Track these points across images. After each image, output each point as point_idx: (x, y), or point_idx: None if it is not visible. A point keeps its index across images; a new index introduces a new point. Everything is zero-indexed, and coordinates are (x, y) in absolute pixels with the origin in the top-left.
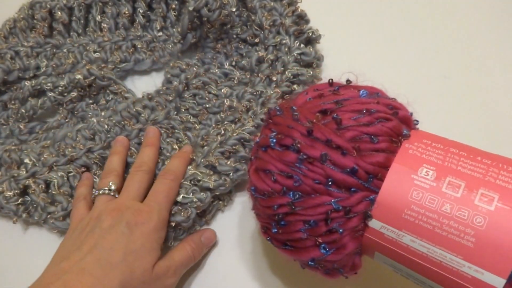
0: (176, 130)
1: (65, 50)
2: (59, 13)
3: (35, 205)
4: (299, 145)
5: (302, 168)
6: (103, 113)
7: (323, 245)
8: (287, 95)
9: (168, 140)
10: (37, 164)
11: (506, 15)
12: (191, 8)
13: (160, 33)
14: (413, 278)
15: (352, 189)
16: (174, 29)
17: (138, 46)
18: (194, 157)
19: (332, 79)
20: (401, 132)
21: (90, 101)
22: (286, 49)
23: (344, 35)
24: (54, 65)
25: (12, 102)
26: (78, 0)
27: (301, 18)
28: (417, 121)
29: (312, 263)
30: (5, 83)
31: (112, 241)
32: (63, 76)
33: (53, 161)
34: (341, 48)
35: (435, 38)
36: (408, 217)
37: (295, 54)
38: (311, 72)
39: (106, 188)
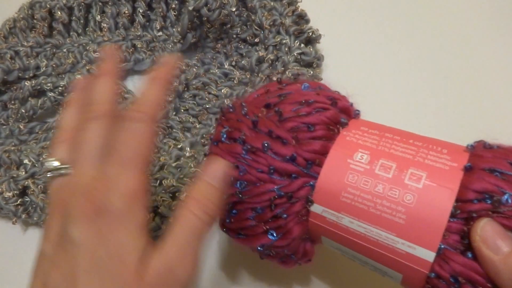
0: (174, 130)
1: (65, 50)
2: (59, 13)
3: (34, 206)
4: (244, 137)
5: (247, 159)
6: None
7: (270, 231)
8: None
9: (165, 140)
10: (36, 165)
11: (506, 15)
12: (191, 8)
13: (160, 33)
14: (357, 259)
15: (293, 175)
16: (174, 29)
17: (138, 46)
18: (196, 155)
19: (280, 78)
20: (338, 121)
21: None
22: (286, 49)
23: (344, 35)
24: (54, 65)
25: (12, 102)
26: (78, 0)
27: (301, 18)
28: (358, 111)
29: (262, 249)
30: (5, 83)
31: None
32: (63, 76)
33: None
34: (341, 48)
35: (435, 38)
36: (346, 199)
37: (295, 54)
38: (312, 72)
39: (51, 167)
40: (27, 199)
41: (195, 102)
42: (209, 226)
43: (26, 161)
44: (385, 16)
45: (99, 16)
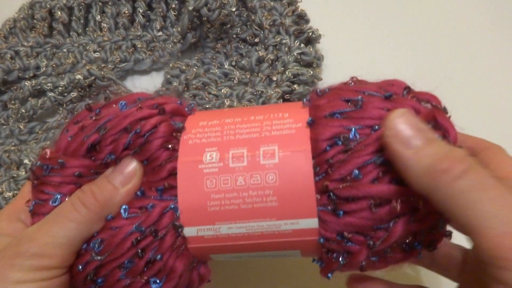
0: None
1: (65, 50)
2: (59, 13)
3: None
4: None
5: None
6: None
7: (152, 280)
8: (287, 95)
9: None
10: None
11: (507, 15)
12: (191, 8)
13: (160, 33)
14: (254, 256)
15: (149, 205)
16: (174, 29)
17: (138, 46)
18: None
19: (89, 104)
20: (173, 129)
21: (90, 102)
22: (286, 49)
23: (344, 35)
24: (54, 65)
25: (12, 102)
26: (78, 0)
27: (301, 18)
28: (192, 103)
29: None
30: (5, 83)
31: None
32: (63, 76)
33: None
34: (341, 48)
35: (436, 37)
36: (214, 208)
37: (295, 54)
38: (311, 72)
39: None
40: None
41: (195, 102)
42: (84, 218)
43: (26, 161)
44: (385, 16)
45: (99, 16)
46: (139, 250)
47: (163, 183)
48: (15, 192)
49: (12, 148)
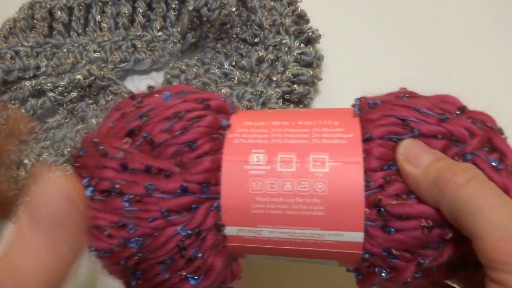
0: None
1: (65, 50)
2: (59, 13)
3: None
4: (119, 186)
5: (132, 211)
6: (102, 114)
7: (190, 276)
8: (287, 95)
9: None
10: (36, 165)
11: (507, 15)
12: (191, 8)
13: (160, 33)
14: (289, 260)
15: (192, 206)
16: (174, 29)
17: (138, 46)
18: None
19: (132, 92)
20: (219, 125)
21: (90, 102)
22: (286, 49)
23: (344, 35)
24: (54, 65)
25: (12, 102)
26: (78, 0)
27: (301, 18)
28: (234, 103)
29: None
30: (5, 83)
31: None
32: (63, 76)
33: (52, 161)
34: (341, 48)
35: (436, 37)
36: (258, 211)
37: (295, 54)
38: (311, 72)
39: None
40: (27, 199)
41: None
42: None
43: (26, 161)
44: (385, 16)
45: (99, 16)
46: (182, 250)
47: (207, 177)
48: (15, 192)
49: (12, 148)
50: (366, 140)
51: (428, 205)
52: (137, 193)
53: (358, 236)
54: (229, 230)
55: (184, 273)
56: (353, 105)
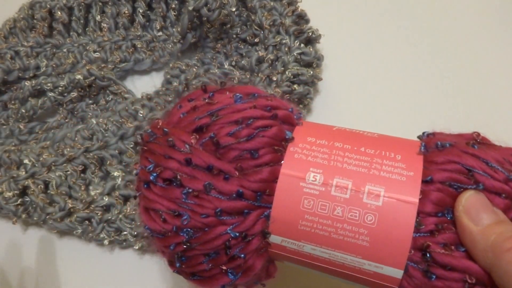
0: None
1: (65, 50)
2: (59, 13)
3: (34, 206)
4: (180, 178)
5: (189, 203)
6: (102, 114)
7: (230, 271)
8: (287, 95)
9: None
10: (36, 165)
11: (506, 15)
12: (191, 8)
13: (160, 33)
14: (326, 275)
15: (245, 211)
16: (174, 29)
17: (138, 46)
18: None
19: (205, 85)
20: (283, 137)
21: (90, 102)
22: (286, 49)
23: (344, 35)
24: (54, 65)
25: (12, 102)
26: (78, 0)
27: (301, 18)
28: (300, 113)
29: None
30: (5, 83)
31: None
32: (63, 76)
33: (52, 161)
34: (341, 48)
35: (435, 37)
36: (304, 228)
37: (295, 54)
38: (311, 72)
39: None
40: (27, 199)
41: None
42: None
43: (26, 161)
44: (385, 16)
45: (99, 16)
46: (227, 249)
47: (263, 187)
48: (15, 192)
49: (12, 148)
50: (426, 181)
51: (477, 264)
52: (196, 188)
53: (397, 273)
54: (274, 238)
55: (225, 268)
56: (420, 138)
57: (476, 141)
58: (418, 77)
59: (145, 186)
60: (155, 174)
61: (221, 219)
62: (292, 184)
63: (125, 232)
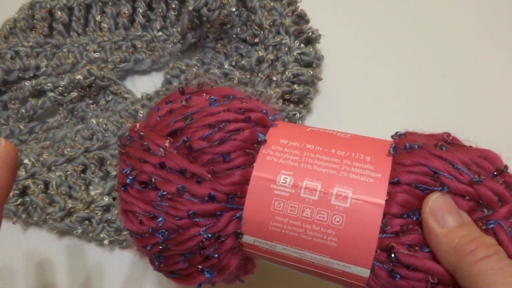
0: None
1: (65, 50)
2: (59, 13)
3: (34, 206)
4: (155, 181)
5: (163, 206)
6: (102, 114)
7: (205, 270)
8: (287, 95)
9: None
10: (36, 165)
11: (506, 15)
12: (191, 8)
13: (160, 33)
14: (297, 272)
15: (217, 213)
16: (174, 29)
17: (138, 46)
18: None
19: (182, 87)
20: (255, 140)
21: (90, 102)
22: (286, 49)
23: (344, 35)
24: (54, 65)
25: (12, 102)
26: (78, 0)
27: (301, 18)
28: (276, 114)
29: (200, 286)
30: (5, 83)
31: None
32: (63, 76)
33: (52, 161)
34: (341, 48)
35: (435, 38)
36: (275, 229)
37: (295, 54)
38: (311, 72)
39: None
40: (27, 199)
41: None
42: None
43: (26, 161)
44: (385, 16)
45: (99, 16)
46: (201, 249)
47: (234, 190)
48: (15, 192)
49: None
50: (393, 183)
51: (440, 265)
52: (169, 191)
53: (364, 272)
54: (247, 239)
55: (200, 267)
56: (393, 138)
57: (445, 142)
58: (418, 77)
59: (123, 188)
60: (131, 177)
61: (194, 221)
62: (263, 186)
63: (125, 232)
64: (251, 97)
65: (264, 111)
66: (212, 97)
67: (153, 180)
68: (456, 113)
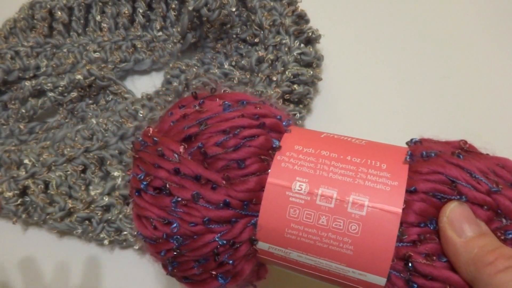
0: None
1: (65, 50)
2: (59, 13)
3: (34, 206)
4: (169, 187)
5: (178, 212)
6: (102, 114)
7: (219, 276)
8: (287, 95)
9: None
10: (36, 165)
11: (506, 15)
12: (191, 8)
13: (160, 33)
14: (311, 279)
15: (232, 219)
16: (174, 29)
17: (138, 46)
18: None
19: (195, 91)
20: (270, 146)
21: (90, 102)
22: (286, 49)
23: (344, 35)
24: (54, 65)
25: (12, 102)
26: (78, 0)
27: (301, 18)
28: (289, 120)
29: None
30: (5, 83)
31: None
32: (63, 76)
33: (52, 161)
34: (341, 48)
35: (435, 38)
36: (290, 236)
37: (295, 54)
38: (311, 72)
39: None
40: (27, 199)
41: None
42: None
43: (26, 161)
44: (385, 16)
45: (99, 16)
46: (215, 256)
47: (249, 196)
48: (15, 192)
49: (12, 148)
50: (410, 191)
51: (458, 275)
52: (184, 197)
53: (380, 280)
54: (261, 245)
55: (214, 273)
56: (408, 144)
57: (462, 150)
58: (418, 77)
59: (137, 193)
60: (145, 183)
61: (209, 227)
62: (279, 193)
63: (125, 232)
64: (264, 102)
65: (278, 117)
66: (226, 102)
67: (167, 186)
68: (457, 112)
